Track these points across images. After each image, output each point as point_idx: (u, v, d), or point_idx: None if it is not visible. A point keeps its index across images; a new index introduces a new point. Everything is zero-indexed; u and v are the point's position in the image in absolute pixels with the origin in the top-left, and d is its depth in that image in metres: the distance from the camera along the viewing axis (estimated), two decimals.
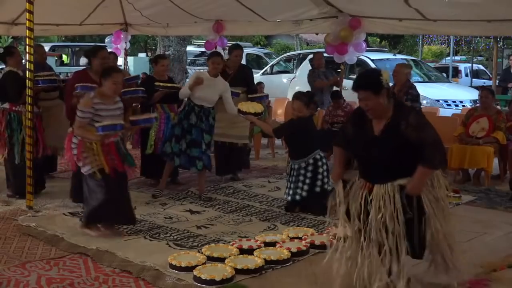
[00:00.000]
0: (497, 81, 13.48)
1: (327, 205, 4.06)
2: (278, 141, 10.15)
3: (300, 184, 5.97)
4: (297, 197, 6.00)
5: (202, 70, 8.01)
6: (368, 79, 3.76)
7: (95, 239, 4.99)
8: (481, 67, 22.66)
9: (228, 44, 9.90)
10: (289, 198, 6.08)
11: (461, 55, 27.48)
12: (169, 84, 6.88)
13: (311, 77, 9.56)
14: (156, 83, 6.76)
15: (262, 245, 4.80)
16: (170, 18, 10.46)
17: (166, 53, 15.30)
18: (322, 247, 4.60)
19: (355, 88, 3.71)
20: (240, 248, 4.69)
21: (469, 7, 7.05)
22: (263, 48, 25.64)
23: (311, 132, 6.13)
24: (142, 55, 24.80)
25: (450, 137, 8.03)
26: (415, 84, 8.00)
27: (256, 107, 6.68)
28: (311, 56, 14.09)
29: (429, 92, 11.70)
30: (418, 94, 7.65)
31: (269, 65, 17.02)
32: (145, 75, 13.35)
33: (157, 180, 6.94)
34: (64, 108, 6.28)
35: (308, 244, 4.81)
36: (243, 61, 8.61)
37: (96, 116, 4.97)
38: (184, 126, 6.52)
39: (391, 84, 8.10)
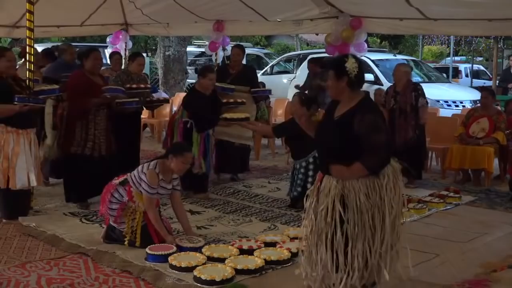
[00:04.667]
0: (497, 81, 13.50)
1: None
2: (278, 141, 10.14)
3: (302, 183, 5.99)
4: (299, 194, 5.99)
5: None
6: (334, 61, 4.00)
7: (95, 239, 4.99)
8: (481, 67, 22.64)
9: (230, 44, 9.90)
10: (293, 195, 6.15)
11: (461, 56, 27.47)
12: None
13: (308, 81, 9.71)
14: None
15: (262, 245, 4.81)
16: (170, 17, 10.43)
17: (166, 53, 15.32)
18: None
19: (324, 65, 3.84)
20: (240, 248, 4.69)
21: (470, 5, 7.05)
22: (263, 49, 25.65)
23: None
24: None
25: (450, 137, 8.05)
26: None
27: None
28: (311, 56, 14.14)
29: (429, 92, 11.59)
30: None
31: (269, 65, 17.03)
32: (145, 76, 13.36)
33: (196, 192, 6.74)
34: (67, 107, 6.20)
35: None
36: (243, 61, 8.63)
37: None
38: None
39: (390, 84, 8.21)
